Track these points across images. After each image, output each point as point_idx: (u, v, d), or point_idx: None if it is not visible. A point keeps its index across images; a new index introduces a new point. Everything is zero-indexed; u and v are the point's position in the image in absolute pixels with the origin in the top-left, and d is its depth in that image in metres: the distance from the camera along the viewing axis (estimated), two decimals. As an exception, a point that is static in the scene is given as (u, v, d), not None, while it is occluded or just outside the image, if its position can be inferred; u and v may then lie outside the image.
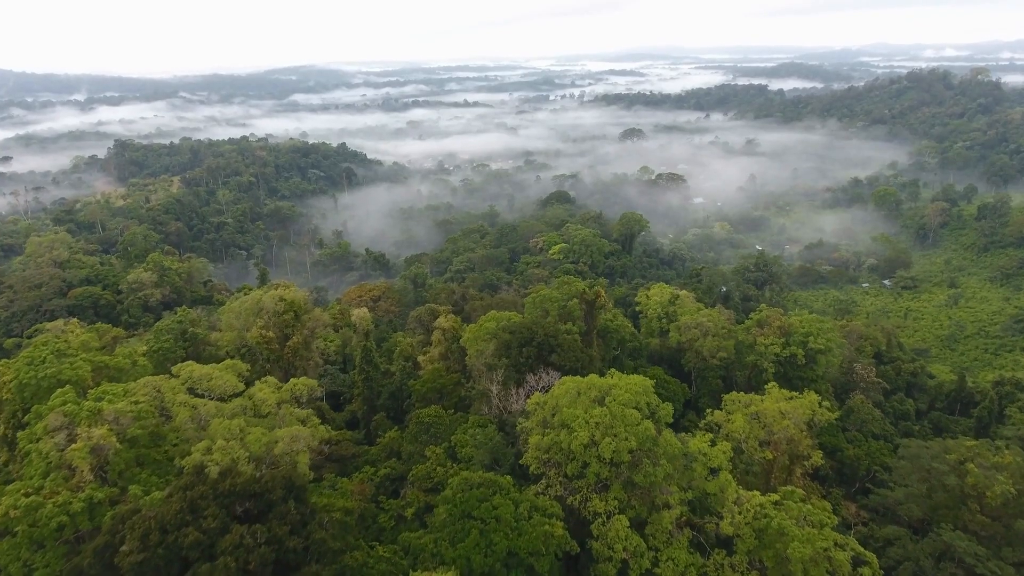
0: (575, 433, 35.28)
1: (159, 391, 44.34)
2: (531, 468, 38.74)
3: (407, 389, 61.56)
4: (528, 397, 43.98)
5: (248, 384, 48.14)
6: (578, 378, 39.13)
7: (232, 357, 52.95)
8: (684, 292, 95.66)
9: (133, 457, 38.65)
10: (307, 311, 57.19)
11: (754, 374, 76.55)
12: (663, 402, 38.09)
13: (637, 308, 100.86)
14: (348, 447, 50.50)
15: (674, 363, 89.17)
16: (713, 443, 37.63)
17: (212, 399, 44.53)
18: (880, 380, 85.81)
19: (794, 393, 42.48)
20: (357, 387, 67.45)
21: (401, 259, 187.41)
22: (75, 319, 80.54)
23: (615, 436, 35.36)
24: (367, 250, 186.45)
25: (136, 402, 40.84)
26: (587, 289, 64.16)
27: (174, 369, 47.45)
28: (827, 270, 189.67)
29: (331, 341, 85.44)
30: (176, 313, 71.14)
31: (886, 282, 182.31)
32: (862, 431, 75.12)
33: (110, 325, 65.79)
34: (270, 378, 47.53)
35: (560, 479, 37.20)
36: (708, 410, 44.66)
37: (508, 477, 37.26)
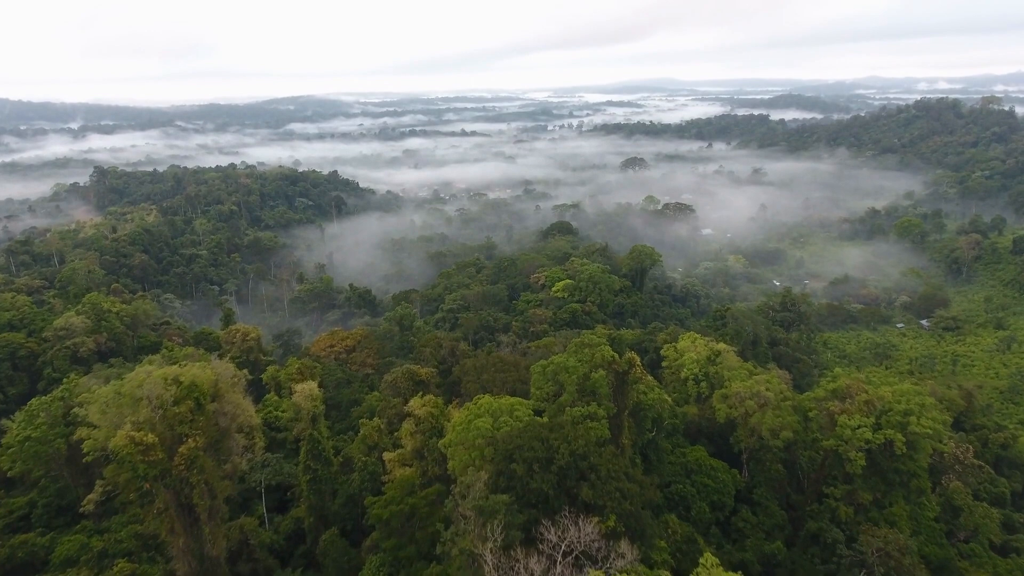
0: None
1: None
2: None
3: (367, 502, 43.67)
4: (543, 568, 26.49)
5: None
6: (647, 572, 21.16)
7: (101, 467, 34.82)
8: (723, 345, 78.39)
9: None
10: (220, 395, 39.31)
11: (830, 461, 58.62)
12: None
13: (664, 364, 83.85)
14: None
15: (716, 438, 71.56)
16: None
17: None
18: (980, 462, 67.92)
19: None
20: (302, 489, 49.38)
21: (389, 296, 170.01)
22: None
23: None
24: (351, 286, 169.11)
25: None
26: (617, 358, 46.74)
27: None
28: (857, 308, 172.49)
29: (283, 411, 67.55)
30: (64, 382, 53.26)
31: (924, 322, 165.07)
32: (977, 539, 57.23)
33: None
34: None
35: None
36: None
37: None
